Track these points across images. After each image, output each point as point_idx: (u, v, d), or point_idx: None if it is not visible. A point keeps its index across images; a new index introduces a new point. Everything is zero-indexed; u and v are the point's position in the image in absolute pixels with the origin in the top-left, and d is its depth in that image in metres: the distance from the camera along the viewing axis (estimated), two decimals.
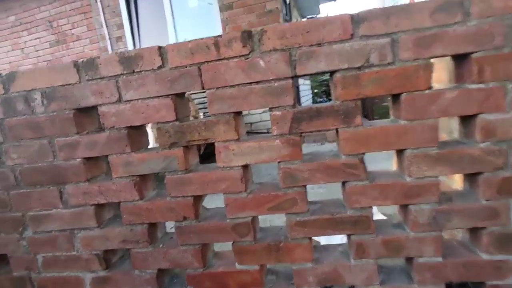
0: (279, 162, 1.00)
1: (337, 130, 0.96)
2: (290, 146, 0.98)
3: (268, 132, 5.64)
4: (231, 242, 1.08)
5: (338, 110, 0.94)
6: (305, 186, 1.00)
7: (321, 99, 10.48)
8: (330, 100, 1.15)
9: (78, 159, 1.12)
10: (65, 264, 1.19)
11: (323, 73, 0.96)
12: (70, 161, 1.12)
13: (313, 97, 10.15)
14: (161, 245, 1.15)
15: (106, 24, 5.73)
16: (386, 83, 0.90)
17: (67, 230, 1.17)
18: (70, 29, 6.09)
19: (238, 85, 0.97)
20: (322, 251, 1.11)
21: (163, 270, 1.17)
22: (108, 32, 5.75)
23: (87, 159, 1.13)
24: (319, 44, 0.91)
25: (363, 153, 0.95)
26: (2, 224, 1.20)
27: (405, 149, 0.94)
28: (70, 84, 1.06)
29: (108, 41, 5.76)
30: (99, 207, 1.16)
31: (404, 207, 1.01)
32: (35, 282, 1.22)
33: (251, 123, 5.22)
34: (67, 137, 1.10)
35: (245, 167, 1.05)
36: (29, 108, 1.11)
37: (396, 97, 0.94)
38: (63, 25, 6.10)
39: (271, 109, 0.97)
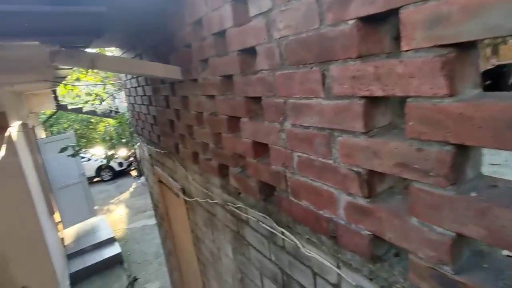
0: None
1: None
2: None
3: None
4: None
5: None
6: None
7: None
8: None
9: (351, 22, 0.70)
10: (319, 172, 0.93)
11: None
12: (340, 26, 0.73)
13: None
14: (473, 193, 0.59)
15: None
16: None
17: (325, 130, 0.86)
18: None
19: None
20: None
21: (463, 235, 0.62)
22: None
23: (364, 22, 0.69)
24: None
25: None
26: (267, 110, 1.08)
27: None
28: None
29: None
30: (372, 102, 0.73)
31: None
32: (289, 182, 1.07)
33: None
34: None
35: None
36: None
37: None
38: None
39: None
